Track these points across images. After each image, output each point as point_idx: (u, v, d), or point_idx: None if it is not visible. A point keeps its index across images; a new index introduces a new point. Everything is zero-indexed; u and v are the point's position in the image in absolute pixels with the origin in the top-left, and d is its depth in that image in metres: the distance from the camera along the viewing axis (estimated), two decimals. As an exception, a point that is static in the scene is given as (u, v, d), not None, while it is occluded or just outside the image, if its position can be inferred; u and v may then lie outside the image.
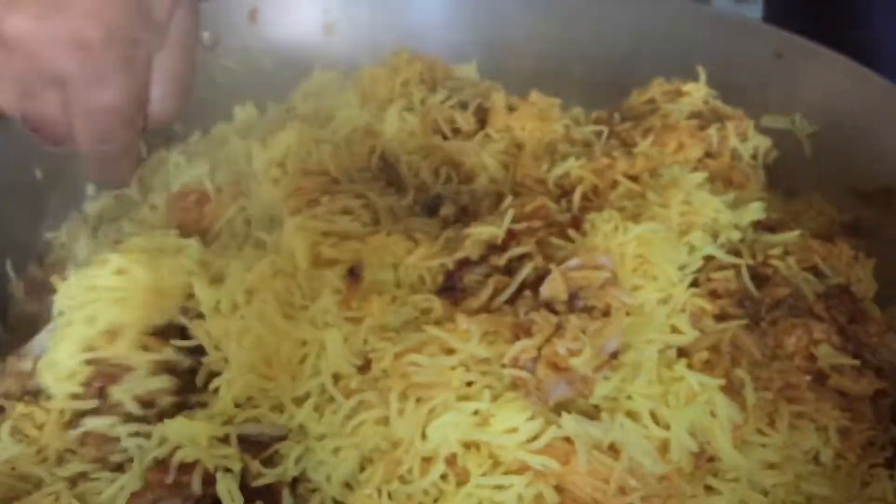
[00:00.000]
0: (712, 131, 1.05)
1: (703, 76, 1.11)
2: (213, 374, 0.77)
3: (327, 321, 0.76)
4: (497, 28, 1.26)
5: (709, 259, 0.87)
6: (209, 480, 0.68)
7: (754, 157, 1.08)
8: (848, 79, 1.08)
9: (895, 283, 0.94)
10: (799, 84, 1.13)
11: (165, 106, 0.80)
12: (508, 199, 0.88)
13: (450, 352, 0.72)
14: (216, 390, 0.76)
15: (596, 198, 0.95)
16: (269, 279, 0.78)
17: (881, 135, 1.04)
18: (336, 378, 0.74)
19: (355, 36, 1.30)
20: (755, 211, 0.94)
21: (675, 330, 0.80)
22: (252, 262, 0.81)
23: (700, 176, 0.95)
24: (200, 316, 0.80)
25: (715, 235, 0.90)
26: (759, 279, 0.87)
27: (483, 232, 0.84)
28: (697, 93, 1.11)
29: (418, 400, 0.70)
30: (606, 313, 0.76)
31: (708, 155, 1.04)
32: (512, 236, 0.83)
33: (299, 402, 0.74)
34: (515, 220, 0.85)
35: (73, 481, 0.74)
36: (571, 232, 0.85)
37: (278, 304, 0.77)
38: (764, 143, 1.09)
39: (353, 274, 0.79)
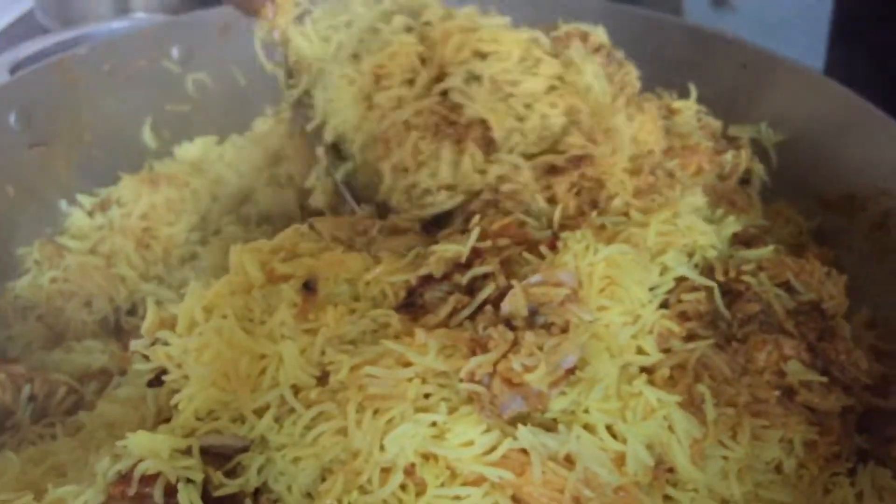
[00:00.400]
0: (728, 157, 1.09)
1: (693, 93, 1.13)
2: (176, 393, 0.79)
3: (284, 334, 0.78)
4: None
5: (681, 279, 0.90)
6: (171, 492, 0.70)
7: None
8: (811, 88, 1.12)
9: (858, 289, 0.97)
10: (764, 94, 1.15)
11: None
12: (476, 218, 0.90)
13: (406, 364, 0.75)
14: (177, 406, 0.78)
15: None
16: (226, 296, 0.80)
17: (844, 143, 1.09)
18: (296, 390, 0.77)
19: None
20: (732, 224, 0.97)
21: (640, 351, 0.83)
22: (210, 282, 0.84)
23: (700, 200, 0.97)
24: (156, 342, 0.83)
25: (690, 254, 0.93)
26: (732, 295, 0.90)
27: (448, 250, 0.86)
28: (689, 110, 1.14)
29: (376, 411, 0.73)
30: (565, 329, 0.78)
31: (718, 177, 1.08)
32: (477, 254, 0.86)
33: (260, 413, 0.77)
34: (482, 237, 0.87)
35: (40, 494, 0.76)
36: (544, 250, 0.87)
37: (236, 319, 0.79)
38: (760, 169, 1.13)
39: (308, 287, 0.81)
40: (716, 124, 1.15)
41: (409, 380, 0.74)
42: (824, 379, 0.84)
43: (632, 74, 1.13)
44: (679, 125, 1.13)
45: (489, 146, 1.00)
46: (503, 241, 0.87)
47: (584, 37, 1.14)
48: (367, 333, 0.81)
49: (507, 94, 1.03)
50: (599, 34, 1.14)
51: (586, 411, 0.76)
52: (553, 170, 0.98)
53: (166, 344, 0.81)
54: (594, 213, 0.95)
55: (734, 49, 1.19)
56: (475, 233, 0.87)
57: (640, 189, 0.98)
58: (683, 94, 1.15)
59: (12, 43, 1.33)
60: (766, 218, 1.10)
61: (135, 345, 0.83)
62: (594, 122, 1.01)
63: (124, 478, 0.71)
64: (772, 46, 1.18)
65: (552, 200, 0.97)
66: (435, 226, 0.98)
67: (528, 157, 1.00)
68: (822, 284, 0.92)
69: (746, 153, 1.10)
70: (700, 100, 1.14)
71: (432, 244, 0.91)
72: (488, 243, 0.87)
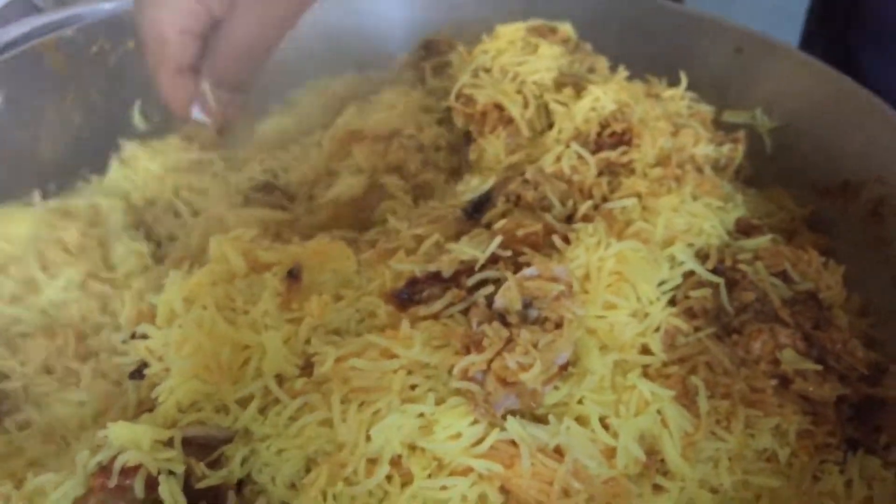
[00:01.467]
0: (725, 149, 1.07)
1: (684, 81, 1.12)
2: (157, 385, 0.77)
3: (268, 324, 0.76)
4: (462, 23, 1.24)
5: (688, 274, 0.88)
6: (152, 484, 0.69)
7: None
8: (806, 74, 1.10)
9: (850, 276, 0.95)
10: (759, 79, 1.12)
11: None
12: (501, 223, 0.87)
13: (392, 356, 0.73)
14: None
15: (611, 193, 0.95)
16: (207, 286, 0.76)
17: (839, 129, 1.06)
18: (280, 380, 0.75)
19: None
20: (737, 209, 0.97)
21: (645, 350, 0.81)
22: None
23: (715, 203, 0.96)
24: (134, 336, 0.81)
25: (695, 242, 0.91)
26: (728, 283, 0.88)
27: (464, 252, 0.83)
28: (681, 100, 1.11)
29: (361, 403, 0.72)
30: (559, 325, 0.76)
31: (714, 169, 1.05)
32: (493, 261, 0.82)
33: (244, 404, 0.75)
34: (504, 245, 0.83)
35: (20, 482, 0.74)
36: (558, 241, 0.84)
37: (218, 309, 0.77)
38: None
39: (292, 275, 0.78)
40: (707, 111, 1.11)
41: (395, 371, 0.72)
42: (819, 367, 0.83)
43: (601, 63, 1.13)
44: (669, 113, 1.09)
45: (509, 125, 1.03)
46: (523, 249, 0.83)
47: (553, 31, 1.15)
48: (352, 322, 0.79)
49: (514, 74, 1.05)
50: (566, 28, 1.15)
51: (580, 402, 0.75)
52: (595, 146, 1.00)
53: (145, 337, 0.78)
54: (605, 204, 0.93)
55: (728, 33, 1.16)
56: (497, 240, 0.83)
57: (665, 178, 0.96)
58: (675, 80, 1.12)
59: (2, 23, 1.28)
60: (759, 205, 1.07)
61: (116, 338, 0.80)
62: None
63: (104, 469, 0.69)
64: (766, 30, 1.14)
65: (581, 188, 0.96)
66: (476, 210, 0.95)
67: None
68: (819, 274, 0.91)
69: (743, 147, 1.08)
70: (692, 85, 1.11)
71: (477, 227, 0.89)
72: (508, 252, 0.82)
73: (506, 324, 0.75)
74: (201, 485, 0.70)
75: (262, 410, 0.74)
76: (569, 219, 0.92)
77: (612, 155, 0.98)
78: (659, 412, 0.76)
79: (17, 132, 1.14)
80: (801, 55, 1.10)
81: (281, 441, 0.72)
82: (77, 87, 1.19)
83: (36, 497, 0.73)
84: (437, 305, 0.79)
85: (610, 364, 0.77)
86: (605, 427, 0.74)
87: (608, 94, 1.02)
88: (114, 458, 0.69)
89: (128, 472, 0.68)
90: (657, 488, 0.75)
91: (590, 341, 0.78)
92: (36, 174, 1.15)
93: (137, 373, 0.79)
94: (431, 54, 1.23)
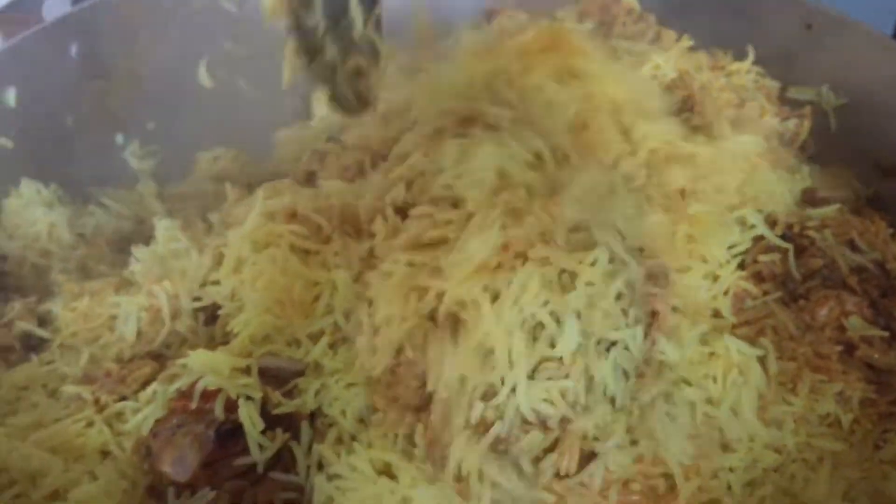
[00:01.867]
0: (791, 125, 1.07)
1: (751, 55, 1.11)
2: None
3: (339, 263, 0.78)
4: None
5: (758, 239, 0.88)
6: (231, 407, 0.71)
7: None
8: (875, 50, 1.06)
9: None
10: (827, 55, 1.11)
11: None
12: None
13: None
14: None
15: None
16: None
17: (907, 107, 1.03)
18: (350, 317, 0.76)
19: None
20: (803, 180, 0.98)
21: (716, 313, 0.82)
22: None
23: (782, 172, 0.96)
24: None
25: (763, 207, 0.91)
26: (796, 249, 0.88)
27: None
28: (747, 74, 1.11)
29: None
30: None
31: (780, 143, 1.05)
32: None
33: (314, 338, 0.77)
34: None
35: (101, 407, 0.77)
36: None
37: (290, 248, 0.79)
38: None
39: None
40: (773, 86, 1.11)
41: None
42: (885, 333, 0.82)
43: (667, 34, 1.13)
44: (735, 86, 1.10)
45: None
46: None
47: (617, 2, 1.15)
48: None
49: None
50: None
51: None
52: None
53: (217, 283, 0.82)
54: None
55: (798, 8, 1.14)
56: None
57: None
58: (741, 55, 1.12)
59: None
60: (823, 182, 1.07)
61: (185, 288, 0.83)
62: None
63: (185, 394, 0.72)
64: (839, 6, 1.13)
65: None
66: None
67: None
68: (887, 245, 0.90)
69: (809, 123, 1.07)
70: (759, 60, 1.10)
71: None
72: None
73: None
74: (277, 411, 0.72)
75: (332, 346, 0.76)
76: None
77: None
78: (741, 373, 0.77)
79: (90, 83, 1.17)
80: (871, 31, 1.07)
81: (350, 376, 0.74)
82: (148, 39, 1.21)
83: (115, 421, 0.76)
84: None
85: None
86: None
87: (669, 62, 1.02)
88: (194, 382, 0.71)
89: (208, 395, 0.71)
90: (724, 447, 0.76)
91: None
92: (108, 123, 1.19)
93: (211, 319, 0.82)
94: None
